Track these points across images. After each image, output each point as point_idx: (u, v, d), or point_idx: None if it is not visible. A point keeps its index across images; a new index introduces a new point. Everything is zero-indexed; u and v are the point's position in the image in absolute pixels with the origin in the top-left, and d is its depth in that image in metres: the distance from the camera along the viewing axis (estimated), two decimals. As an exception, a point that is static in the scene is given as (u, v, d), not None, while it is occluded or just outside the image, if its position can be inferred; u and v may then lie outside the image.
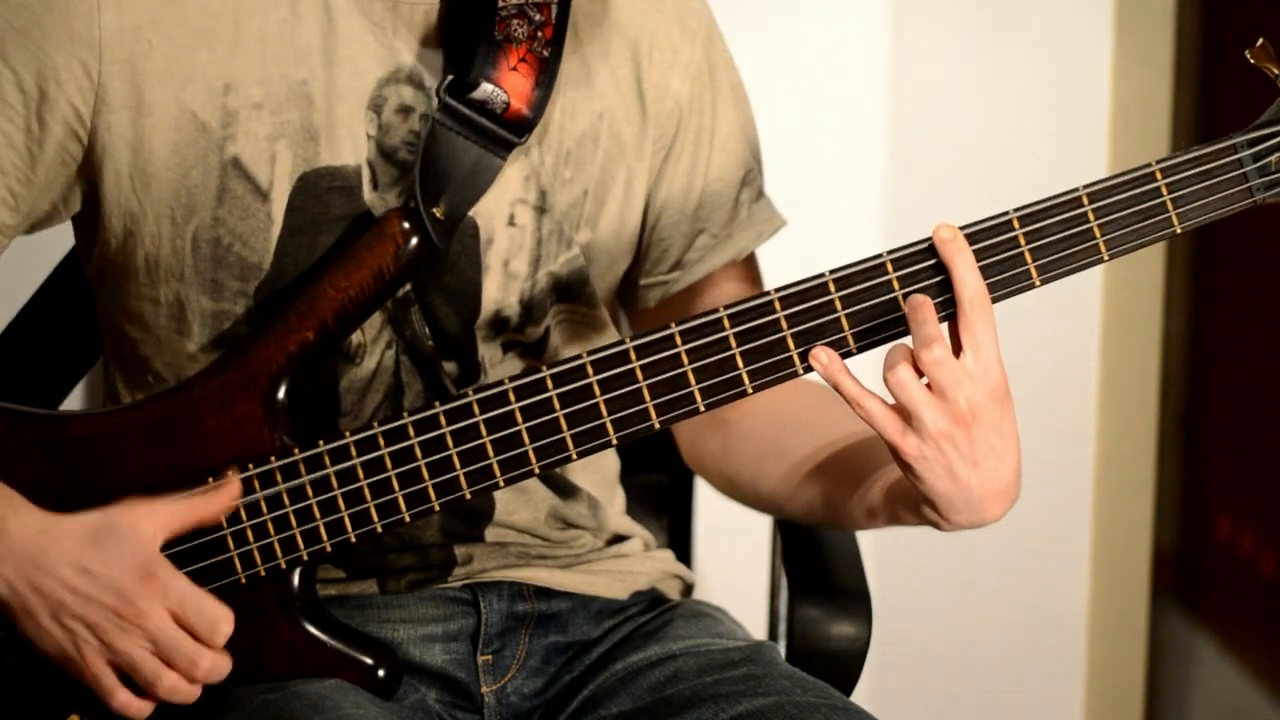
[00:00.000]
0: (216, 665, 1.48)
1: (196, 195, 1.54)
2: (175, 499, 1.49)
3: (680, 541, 1.99)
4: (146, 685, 1.47)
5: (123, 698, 1.48)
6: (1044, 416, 2.86)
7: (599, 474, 1.71)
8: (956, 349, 1.45)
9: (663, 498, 1.88)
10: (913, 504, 1.50)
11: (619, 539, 1.72)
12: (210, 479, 1.50)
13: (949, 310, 1.46)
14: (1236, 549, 2.95)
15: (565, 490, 1.67)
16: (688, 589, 1.78)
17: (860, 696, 1.63)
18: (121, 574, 1.45)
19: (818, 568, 1.76)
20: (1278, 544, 2.84)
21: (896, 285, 1.47)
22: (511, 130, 1.54)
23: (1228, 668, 2.95)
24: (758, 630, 1.84)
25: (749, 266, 1.71)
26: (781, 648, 1.72)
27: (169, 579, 1.46)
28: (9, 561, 1.46)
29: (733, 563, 2.37)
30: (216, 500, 1.50)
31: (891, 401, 1.46)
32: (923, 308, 1.45)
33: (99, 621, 1.46)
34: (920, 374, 1.44)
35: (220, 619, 1.47)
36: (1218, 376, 3.05)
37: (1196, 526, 3.08)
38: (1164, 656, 3.03)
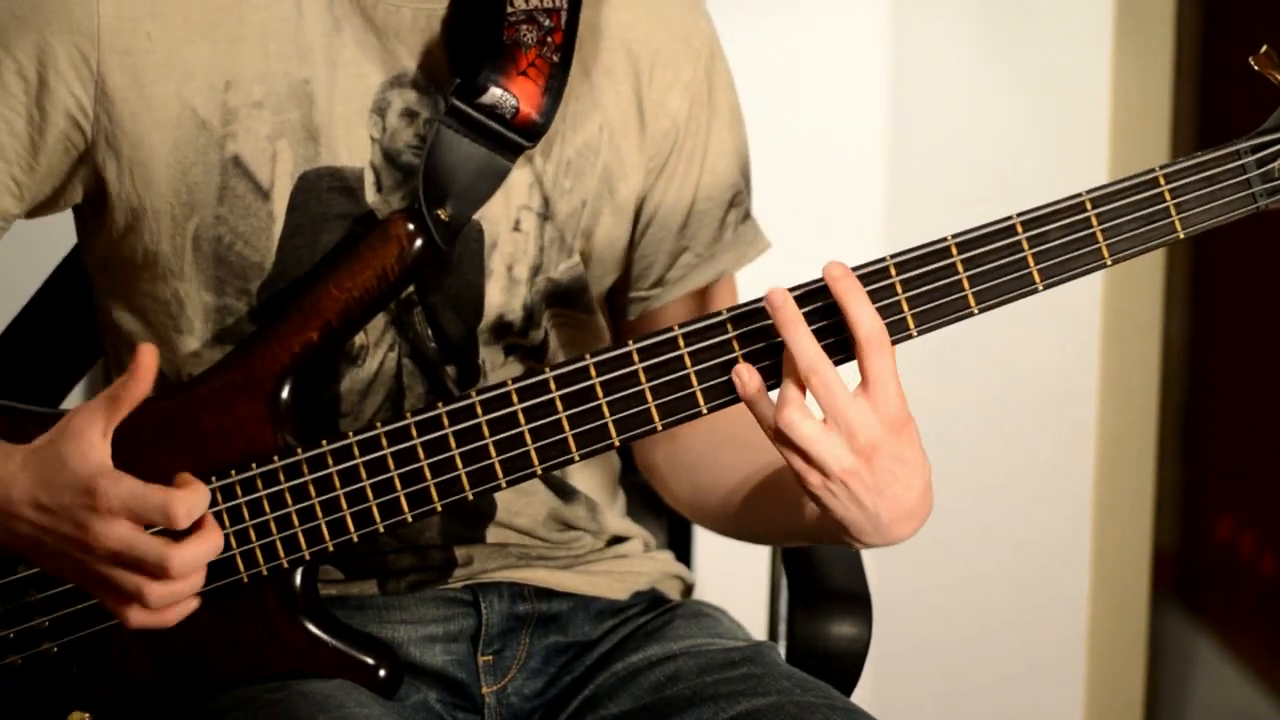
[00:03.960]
0: (187, 556, 1.42)
1: (197, 193, 1.54)
2: (103, 393, 1.44)
3: (680, 541, 1.99)
4: (139, 601, 1.44)
5: (137, 617, 1.45)
6: (1044, 417, 2.86)
7: (599, 476, 1.71)
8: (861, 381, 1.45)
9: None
10: (828, 528, 1.50)
11: (619, 540, 1.72)
12: (214, 479, 1.51)
13: (844, 351, 1.46)
14: (1236, 549, 2.95)
15: (565, 493, 1.67)
16: (688, 589, 1.78)
17: (860, 696, 1.63)
18: (69, 500, 1.42)
19: (818, 568, 1.76)
20: (1278, 544, 2.84)
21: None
22: (522, 135, 1.54)
23: (1228, 668, 2.95)
24: (758, 630, 1.84)
25: (729, 287, 1.72)
26: (781, 648, 1.72)
27: (109, 487, 1.41)
28: None
29: (733, 563, 2.37)
30: (135, 378, 1.42)
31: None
32: (799, 339, 1.44)
33: (71, 552, 1.44)
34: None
35: (169, 500, 1.41)
36: (1218, 376, 3.05)
37: (1196, 526, 3.08)
38: (1164, 656, 3.03)
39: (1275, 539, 2.85)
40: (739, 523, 1.66)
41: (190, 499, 1.43)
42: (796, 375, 1.45)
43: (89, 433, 1.42)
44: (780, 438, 1.45)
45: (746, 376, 1.47)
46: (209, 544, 1.44)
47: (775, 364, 1.48)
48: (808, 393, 1.45)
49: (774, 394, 1.48)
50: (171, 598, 1.44)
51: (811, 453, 1.44)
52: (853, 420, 1.43)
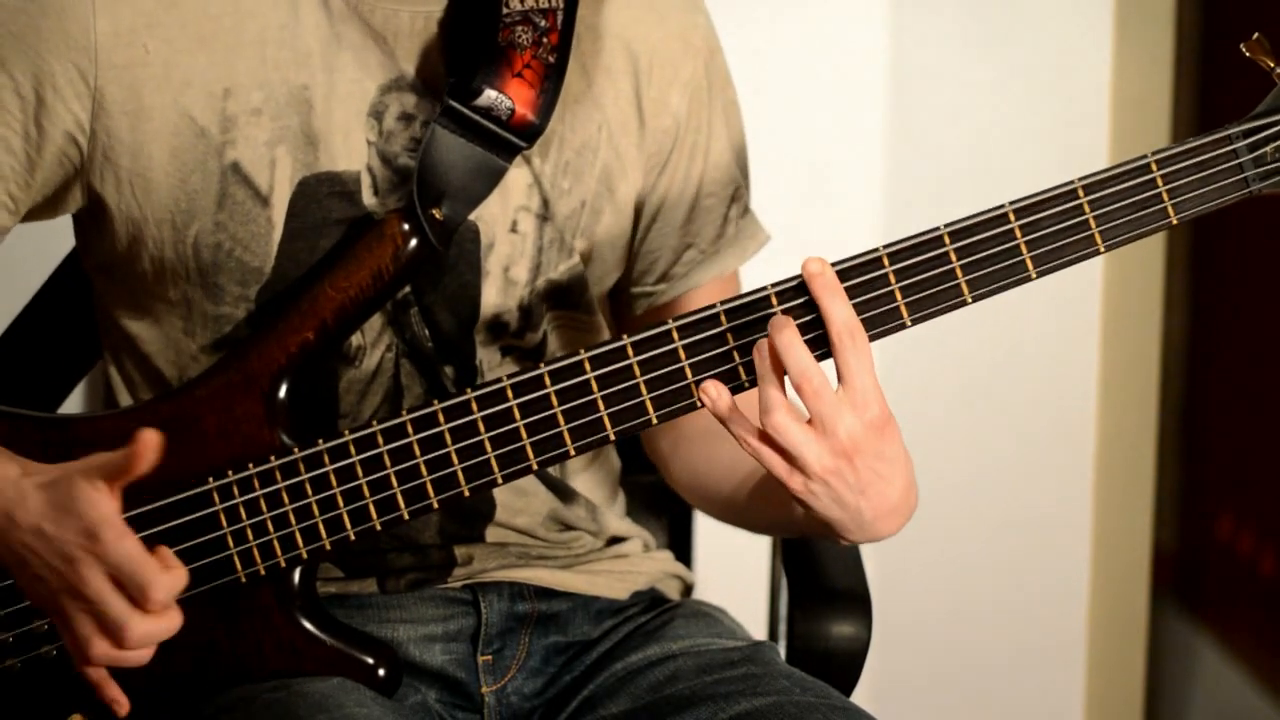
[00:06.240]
0: (142, 631, 1.41)
1: (196, 200, 1.54)
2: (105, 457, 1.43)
3: (680, 541, 1.99)
4: (81, 646, 1.43)
5: (95, 651, 1.44)
6: (1044, 416, 2.86)
7: (598, 476, 1.71)
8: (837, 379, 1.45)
9: (663, 498, 1.88)
10: (815, 524, 1.50)
11: (618, 540, 1.72)
12: (211, 479, 1.51)
13: (822, 347, 1.45)
14: (1236, 549, 2.95)
15: (564, 493, 1.67)
16: (688, 589, 1.78)
17: (860, 696, 1.63)
18: (72, 536, 1.42)
19: (818, 568, 1.76)
20: (1278, 544, 2.84)
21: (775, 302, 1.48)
22: (519, 136, 1.54)
23: (1228, 668, 2.95)
24: (758, 630, 1.84)
25: (733, 281, 1.72)
26: (781, 648, 1.72)
27: (112, 541, 1.41)
28: None
29: (733, 563, 2.37)
30: (134, 458, 1.41)
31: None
32: (792, 345, 1.44)
33: (50, 580, 1.43)
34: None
35: (150, 585, 1.40)
36: (1218, 376, 3.05)
37: (1196, 526, 3.08)
38: (1164, 656, 3.03)
39: (1275, 539, 2.85)
40: (738, 516, 1.68)
41: (171, 585, 1.42)
42: (781, 377, 1.44)
43: (99, 482, 1.42)
44: (765, 440, 1.44)
45: (715, 394, 1.46)
46: (167, 625, 1.43)
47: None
48: (788, 392, 1.45)
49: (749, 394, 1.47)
50: (115, 661, 1.44)
51: (795, 454, 1.44)
52: (835, 420, 1.43)
